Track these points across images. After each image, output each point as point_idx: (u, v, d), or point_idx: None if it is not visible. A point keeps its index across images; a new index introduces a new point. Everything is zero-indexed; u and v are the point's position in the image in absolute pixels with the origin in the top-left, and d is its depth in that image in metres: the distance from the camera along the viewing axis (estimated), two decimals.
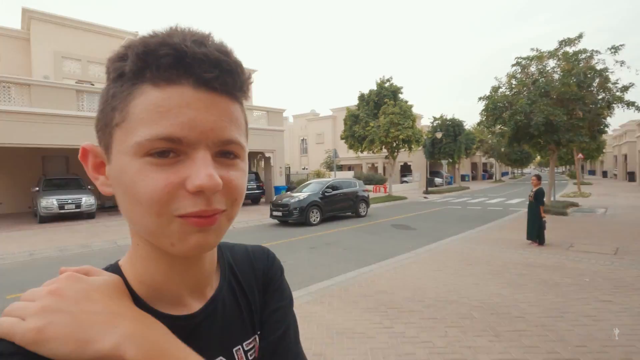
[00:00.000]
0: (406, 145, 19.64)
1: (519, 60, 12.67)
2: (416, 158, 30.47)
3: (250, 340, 0.52)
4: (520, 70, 12.69)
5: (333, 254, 7.15)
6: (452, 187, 28.84)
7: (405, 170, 35.09)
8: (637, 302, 4.07)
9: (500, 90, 12.86)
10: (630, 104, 11.20)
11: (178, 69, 0.37)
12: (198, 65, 0.37)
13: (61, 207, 11.78)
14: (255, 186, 16.99)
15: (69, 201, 11.98)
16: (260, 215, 12.70)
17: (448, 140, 27.70)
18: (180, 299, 0.46)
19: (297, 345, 0.57)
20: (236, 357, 0.50)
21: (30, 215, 13.83)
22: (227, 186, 0.39)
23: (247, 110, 11.57)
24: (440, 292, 4.55)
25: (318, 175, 25.08)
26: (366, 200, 13.04)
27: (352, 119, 21.45)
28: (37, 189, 12.41)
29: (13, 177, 14.88)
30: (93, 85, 16.62)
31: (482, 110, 12.87)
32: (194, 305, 0.47)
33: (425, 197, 20.66)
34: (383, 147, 19.73)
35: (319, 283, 5.10)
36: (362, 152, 21.47)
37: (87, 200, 12.37)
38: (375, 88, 21.37)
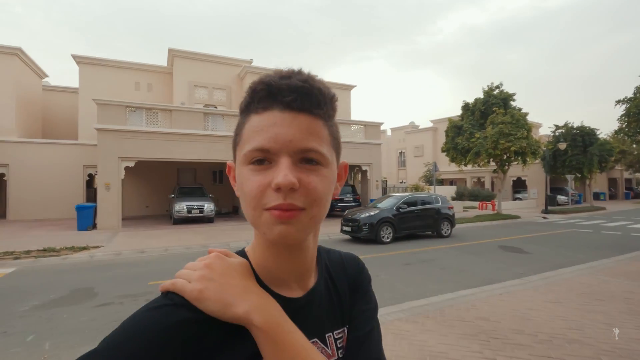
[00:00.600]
0: (519, 158, 17.52)
1: None
2: (532, 172, 26.83)
3: (339, 331, 0.61)
4: None
5: (427, 272, 6.79)
6: (581, 206, 24.39)
7: (519, 185, 31.14)
8: None
9: None
10: None
11: (269, 98, 0.49)
12: (281, 93, 0.49)
13: (189, 211, 13.95)
14: (351, 199, 17.26)
15: (195, 206, 14.10)
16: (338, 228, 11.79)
17: (575, 152, 23.62)
18: (288, 285, 0.56)
19: (380, 345, 0.64)
20: (327, 342, 0.59)
21: (167, 217, 16.70)
22: (304, 187, 0.48)
23: (344, 125, 12.04)
24: (557, 328, 3.92)
25: (416, 189, 24.15)
26: (450, 219, 11.72)
27: (455, 130, 20.17)
28: (173, 195, 14.99)
29: (157, 186, 18.26)
30: (216, 108, 19.41)
31: (622, 115, 10.74)
32: (298, 292, 0.57)
33: (544, 217, 17.97)
34: (490, 159, 17.99)
35: (413, 302, 4.91)
36: (465, 165, 19.94)
37: (208, 207, 14.37)
38: (482, 96, 19.77)
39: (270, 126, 0.48)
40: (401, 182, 38.93)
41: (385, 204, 11.17)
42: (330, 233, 11.45)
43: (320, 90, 0.51)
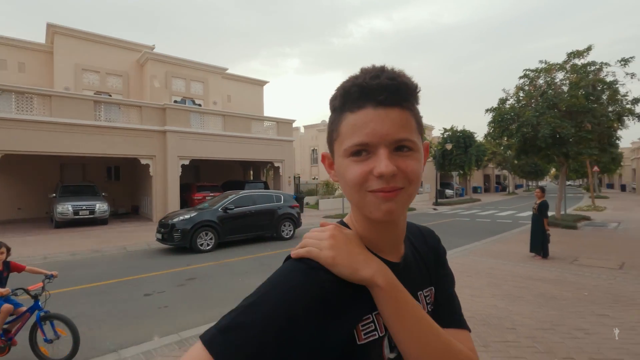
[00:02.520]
0: None
1: (527, 73, 12.65)
2: (426, 169, 30.30)
3: (427, 290, 0.72)
4: (528, 82, 12.67)
5: None
6: (463, 199, 28.49)
7: None
8: (633, 316, 4.03)
9: (508, 102, 12.84)
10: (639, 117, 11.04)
11: (362, 98, 0.56)
12: (373, 93, 0.55)
13: (76, 212, 12.22)
14: None
15: (84, 207, 12.41)
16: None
17: (459, 152, 27.52)
18: (385, 252, 0.65)
19: (460, 307, 0.75)
20: (419, 298, 0.69)
21: (47, 220, 14.34)
22: (403, 171, 0.55)
23: (256, 121, 11.92)
24: None
25: (327, 185, 25.16)
26: (293, 219, 10.49)
27: None
28: (54, 195, 12.91)
29: (32, 184, 15.49)
30: (110, 96, 17.31)
31: (490, 122, 12.85)
32: (395, 258, 0.66)
33: (434, 209, 20.51)
34: None
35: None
36: None
37: (100, 207, 12.79)
38: None
39: (367, 122, 0.55)
40: (314, 179, 40.13)
41: (211, 204, 9.61)
42: (144, 243, 9.31)
43: (407, 84, 0.57)
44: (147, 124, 13.95)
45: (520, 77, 12.81)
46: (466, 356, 0.61)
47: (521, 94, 12.55)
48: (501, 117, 12.33)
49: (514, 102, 12.74)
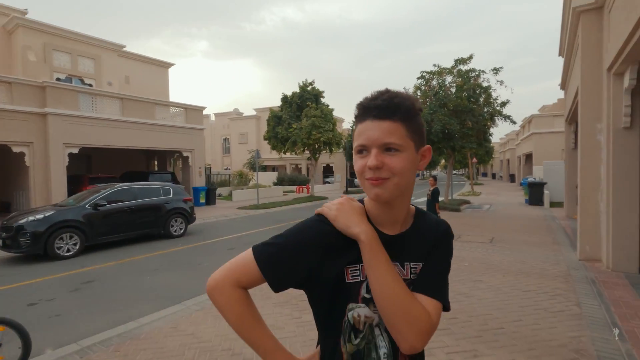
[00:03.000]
0: (327, 148, 20.46)
1: (423, 74, 14.22)
2: (337, 160, 31.82)
3: (415, 263, 0.87)
4: (424, 83, 14.25)
5: None
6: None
7: (328, 171, 36.40)
8: (496, 280, 5.01)
9: None
10: (506, 117, 13.41)
11: (364, 113, 0.80)
12: (370, 110, 0.78)
13: None
14: None
15: None
16: None
17: None
18: (384, 226, 0.85)
19: (445, 288, 0.87)
20: (405, 267, 0.86)
21: None
22: (387, 166, 0.76)
23: (161, 106, 11.01)
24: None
25: (240, 176, 24.59)
26: (185, 214, 9.55)
27: (276, 120, 21.59)
28: None
29: None
30: None
31: None
32: (390, 232, 0.86)
33: None
34: (305, 148, 20.27)
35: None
36: (285, 153, 21.73)
37: None
38: (298, 91, 21.83)
39: (366, 130, 0.78)
40: (226, 169, 38.74)
41: (77, 201, 8.17)
42: None
43: (398, 104, 0.78)
44: (20, 104, 11.67)
45: (418, 78, 14.33)
46: (420, 312, 0.76)
47: (418, 93, 14.06)
48: None
49: None
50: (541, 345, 3.13)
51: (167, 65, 24.03)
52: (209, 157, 39.39)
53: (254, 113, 40.71)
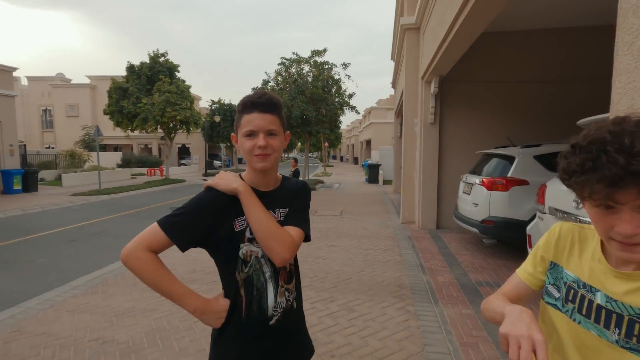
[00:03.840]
0: (184, 127, 19.17)
1: (284, 61, 14.91)
2: (195, 140, 30.06)
3: (283, 209, 1.15)
4: (284, 70, 14.98)
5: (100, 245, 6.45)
6: (230, 169, 30.43)
7: (184, 152, 33.93)
8: (345, 243, 6.10)
9: (270, 84, 14.76)
10: (352, 108, 15.52)
11: (252, 107, 1.05)
12: (256, 105, 1.05)
13: None
14: None
15: None
16: None
17: (226, 125, 28.80)
18: (258, 186, 1.12)
19: (305, 222, 1.16)
20: (276, 213, 1.13)
21: None
22: (270, 145, 1.05)
23: None
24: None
25: (72, 156, 20.44)
26: None
27: (120, 92, 18.76)
28: None
29: None
30: None
31: None
32: (264, 189, 1.13)
33: (204, 180, 20.97)
34: (158, 127, 18.45)
35: (87, 275, 4.65)
36: (132, 131, 19.24)
37: None
38: (148, 61, 19.45)
39: (254, 120, 1.04)
40: (48, 147, 31.29)
41: None
42: None
43: (275, 103, 1.07)
44: None
45: (279, 64, 14.94)
46: (285, 234, 1.06)
47: (279, 79, 14.71)
48: None
49: (274, 84, 14.78)
50: (376, 286, 4.15)
51: None
52: (22, 133, 30.97)
53: (88, 81, 33.98)
